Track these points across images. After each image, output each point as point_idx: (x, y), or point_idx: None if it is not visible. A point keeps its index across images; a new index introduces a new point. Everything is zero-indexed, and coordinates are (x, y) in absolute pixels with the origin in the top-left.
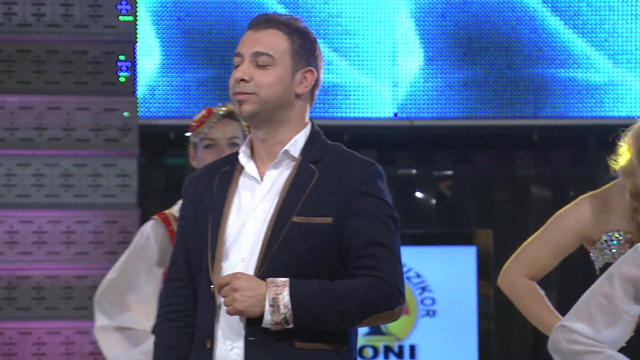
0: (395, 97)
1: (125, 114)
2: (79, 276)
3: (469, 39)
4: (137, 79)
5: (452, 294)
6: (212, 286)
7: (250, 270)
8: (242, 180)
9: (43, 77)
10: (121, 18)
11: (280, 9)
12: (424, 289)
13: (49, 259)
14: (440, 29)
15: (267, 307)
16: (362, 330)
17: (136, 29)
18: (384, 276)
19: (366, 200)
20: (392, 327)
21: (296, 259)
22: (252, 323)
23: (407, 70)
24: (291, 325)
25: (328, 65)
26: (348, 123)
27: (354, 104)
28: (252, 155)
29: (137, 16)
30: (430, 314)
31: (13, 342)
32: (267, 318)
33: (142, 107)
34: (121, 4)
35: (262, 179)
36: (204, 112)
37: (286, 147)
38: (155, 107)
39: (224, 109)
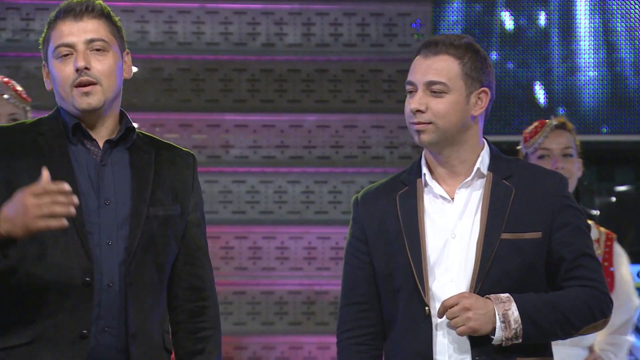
0: None
1: None
2: (320, 292)
3: None
4: None
5: None
6: (426, 307)
7: (462, 290)
8: (428, 200)
9: (340, 95)
10: (415, 36)
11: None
12: None
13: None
14: None
15: (498, 323)
16: None
17: None
18: (598, 286)
19: (569, 212)
20: None
21: (510, 275)
22: (477, 340)
23: None
24: (520, 340)
25: None
26: None
27: None
28: (432, 174)
29: (432, 34)
30: None
31: (257, 356)
32: (499, 334)
33: None
34: (416, 23)
35: (452, 199)
36: (536, 123)
37: (478, 166)
38: None
39: (556, 120)
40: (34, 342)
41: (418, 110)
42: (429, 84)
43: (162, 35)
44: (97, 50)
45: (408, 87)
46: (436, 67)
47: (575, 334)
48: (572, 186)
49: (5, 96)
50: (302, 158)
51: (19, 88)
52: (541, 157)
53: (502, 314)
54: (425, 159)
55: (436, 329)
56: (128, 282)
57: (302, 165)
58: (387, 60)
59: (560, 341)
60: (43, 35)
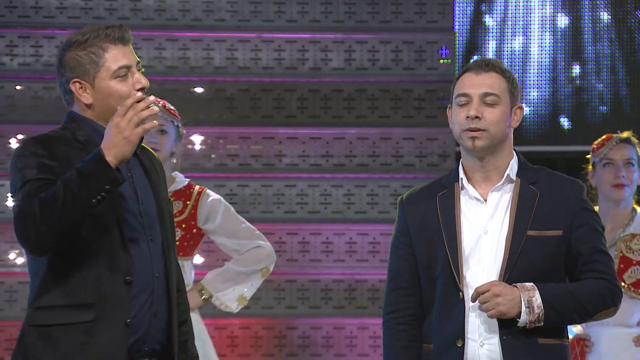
0: None
1: (445, 142)
2: (360, 280)
3: None
4: None
5: None
6: (461, 292)
7: (492, 279)
8: (464, 201)
9: (376, 112)
10: (442, 61)
11: None
12: None
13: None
14: None
15: (523, 308)
16: None
17: (454, 70)
18: (610, 278)
19: (587, 214)
20: None
21: (534, 267)
22: (504, 322)
23: None
24: (542, 323)
25: None
26: None
27: None
28: (468, 179)
29: (455, 59)
30: None
31: (306, 335)
32: (524, 318)
33: None
34: (442, 49)
35: (485, 200)
36: (604, 136)
37: (508, 172)
38: None
39: (621, 134)
40: (94, 322)
41: (476, 117)
42: (484, 95)
43: (225, 61)
44: (138, 70)
45: (461, 99)
46: (489, 82)
47: (589, 319)
48: (631, 192)
49: (155, 108)
50: (344, 166)
51: (170, 106)
52: (605, 165)
53: (527, 301)
54: (462, 166)
55: (469, 312)
56: (167, 272)
57: (344, 172)
58: (418, 81)
59: (604, 323)
60: (81, 54)
